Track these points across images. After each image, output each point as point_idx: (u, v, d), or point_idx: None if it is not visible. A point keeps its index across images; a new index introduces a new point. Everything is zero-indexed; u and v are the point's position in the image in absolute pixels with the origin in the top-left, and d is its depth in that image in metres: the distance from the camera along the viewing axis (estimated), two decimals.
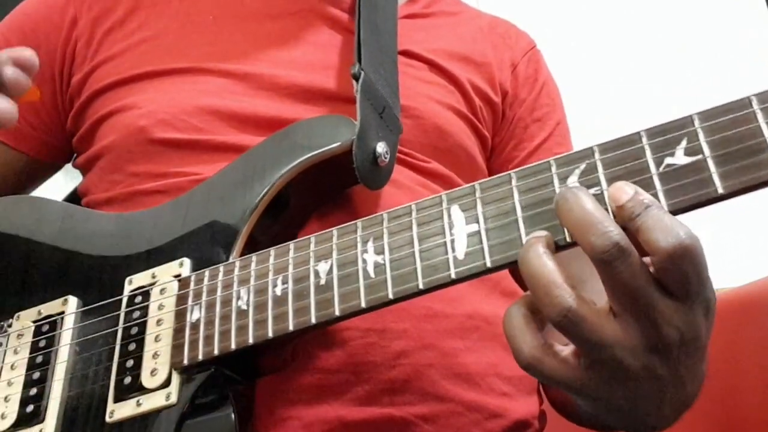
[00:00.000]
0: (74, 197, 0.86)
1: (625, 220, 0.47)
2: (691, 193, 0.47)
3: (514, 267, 0.52)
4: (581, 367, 0.49)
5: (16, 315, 0.71)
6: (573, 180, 0.51)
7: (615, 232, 0.46)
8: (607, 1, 2.17)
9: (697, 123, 0.49)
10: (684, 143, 0.49)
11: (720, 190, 0.47)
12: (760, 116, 0.47)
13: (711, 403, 0.81)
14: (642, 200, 0.46)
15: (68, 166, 0.89)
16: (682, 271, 0.46)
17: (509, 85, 0.92)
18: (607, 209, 0.48)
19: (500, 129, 0.91)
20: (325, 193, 0.72)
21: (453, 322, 0.72)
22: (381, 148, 0.70)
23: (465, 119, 0.86)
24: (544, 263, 0.48)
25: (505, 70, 0.93)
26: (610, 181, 0.50)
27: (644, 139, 0.50)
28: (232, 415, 0.59)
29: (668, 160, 0.49)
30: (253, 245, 0.66)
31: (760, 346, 0.80)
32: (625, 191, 0.47)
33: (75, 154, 0.87)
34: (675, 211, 0.48)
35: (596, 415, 0.59)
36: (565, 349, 0.50)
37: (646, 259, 0.47)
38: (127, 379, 0.63)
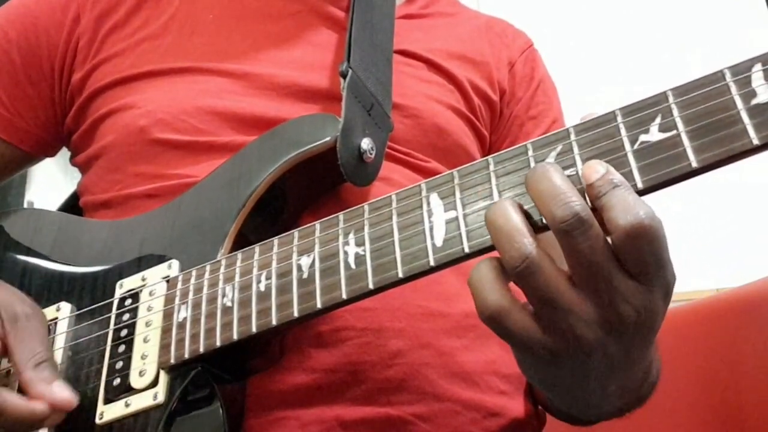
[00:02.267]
0: (74, 198, 0.87)
1: (593, 198, 0.46)
2: (665, 168, 0.46)
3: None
4: (540, 327, 0.48)
5: None
6: (549, 162, 0.51)
7: (577, 203, 0.45)
8: (606, 2, 2.18)
9: (671, 99, 0.48)
10: (658, 120, 0.48)
11: (694, 164, 0.46)
12: (733, 89, 0.46)
13: (711, 403, 0.80)
14: (611, 179, 0.46)
15: (67, 165, 0.89)
16: (640, 251, 0.45)
17: (507, 83, 0.92)
18: (582, 189, 0.48)
19: (497, 127, 0.91)
20: (314, 190, 0.72)
21: (449, 320, 0.72)
22: (366, 144, 0.70)
23: (464, 118, 0.85)
24: (509, 213, 0.48)
25: (503, 69, 0.93)
26: (586, 161, 0.49)
27: (619, 118, 0.50)
28: (220, 410, 0.59)
29: (643, 137, 0.48)
30: (243, 244, 0.65)
31: (760, 347, 0.78)
32: (596, 170, 0.46)
33: (72, 152, 0.87)
34: (650, 188, 0.47)
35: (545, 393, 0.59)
36: (528, 306, 0.49)
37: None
38: (116, 381, 0.63)
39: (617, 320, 0.47)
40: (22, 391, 0.61)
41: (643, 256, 0.45)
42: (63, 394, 0.61)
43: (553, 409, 0.75)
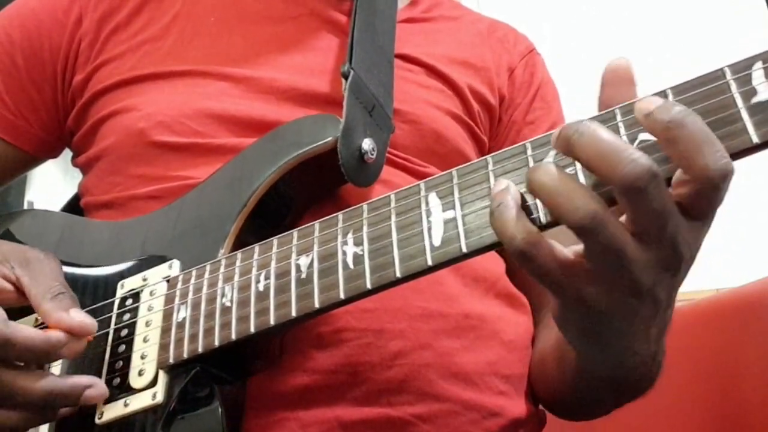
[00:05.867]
0: (76, 199, 0.87)
1: (656, 129, 0.44)
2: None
3: (489, 252, 0.52)
4: (582, 269, 0.47)
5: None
6: (548, 160, 0.50)
7: (643, 156, 0.44)
8: (607, 3, 2.18)
9: (670, 97, 0.48)
10: None
11: None
12: (733, 87, 0.46)
13: (711, 402, 0.79)
14: (675, 107, 0.44)
15: (67, 165, 0.89)
16: (718, 197, 0.45)
17: (506, 89, 0.91)
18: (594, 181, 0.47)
19: (496, 133, 0.91)
20: (315, 191, 0.72)
21: (449, 321, 0.71)
22: (367, 144, 0.70)
23: (463, 124, 0.85)
24: (559, 173, 0.46)
25: (503, 75, 0.92)
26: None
27: (618, 117, 0.49)
28: (219, 410, 0.59)
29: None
30: (244, 245, 0.65)
31: (761, 347, 0.78)
32: (653, 100, 0.44)
33: (73, 153, 0.88)
34: None
35: (580, 359, 0.59)
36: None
37: None
38: (116, 380, 0.63)
39: (676, 262, 0.47)
40: None
41: (717, 201, 0.45)
42: (80, 317, 0.60)
43: (574, 387, 0.71)
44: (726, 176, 0.44)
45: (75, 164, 0.86)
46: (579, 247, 0.48)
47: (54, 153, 0.91)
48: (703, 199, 0.45)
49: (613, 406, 0.70)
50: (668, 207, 0.45)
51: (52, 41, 0.85)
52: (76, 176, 0.86)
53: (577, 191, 0.45)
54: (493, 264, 0.80)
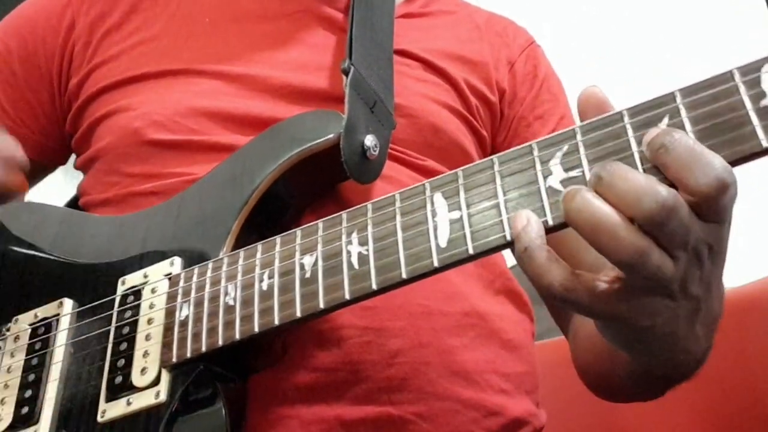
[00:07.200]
0: (76, 200, 0.86)
1: (652, 158, 0.45)
2: None
3: (495, 254, 0.52)
4: (618, 292, 0.47)
5: (14, 318, 0.72)
6: (555, 162, 0.50)
7: (660, 193, 0.44)
8: (607, 3, 2.17)
9: (678, 99, 0.48)
10: (666, 120, 0.48)
11: None
12: (742, 89, 0.46)
13: (711, 402, 0.80)
14: (665, 133, 0.45)
15: (68, 167, 0.89)
16: (722, 205, 0.45)
17: (507, 83, 0.91)
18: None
19: (501, 128, 0.90)
20: (317, 188, 0.72)
21: (450, 319, 0.71)
22: (369, 141, 0.70)
23: (460, 117, 0.85)
24: (600, 206, 0.45)
25: (502, 69, 0.92)
26: (592, 162, 0.49)
27: (626, 119, 0.49)
28: (222, 410, 0.58)
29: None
30: (245, 242, 0.65)
31: (761, 347, 0.78)
32: (652, 131, 0.46)
33: (75, 156, 0.88)
34: None
35: (634, 364, 0.59)
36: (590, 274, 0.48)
37: None
38: (118, 379, 0.63)
39: (698, 261, 0.47)
40: None
41: (723, 207, 0.45)
42: None
43: (622, 381, 0.71)
44: (721, 189, 0.44)
45: (76, 167, 0.86)
46: (609, 269, 0.48)
47: (61, 160, 0.92)
48: (709, 209, 0.45)
49: (663, 392, 0.70)
50: (689, 226, 0.45)
51: (47, 46, 0.86)
52: (77, 177, 0.86)
53: (620, 228, 0.45)
54: (494, 259, 0.80)
